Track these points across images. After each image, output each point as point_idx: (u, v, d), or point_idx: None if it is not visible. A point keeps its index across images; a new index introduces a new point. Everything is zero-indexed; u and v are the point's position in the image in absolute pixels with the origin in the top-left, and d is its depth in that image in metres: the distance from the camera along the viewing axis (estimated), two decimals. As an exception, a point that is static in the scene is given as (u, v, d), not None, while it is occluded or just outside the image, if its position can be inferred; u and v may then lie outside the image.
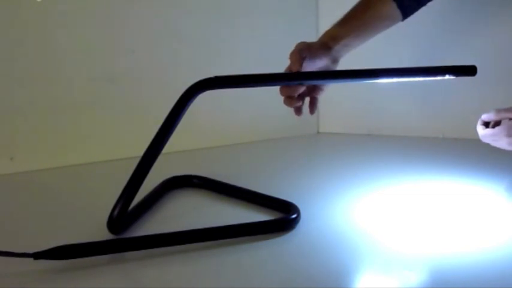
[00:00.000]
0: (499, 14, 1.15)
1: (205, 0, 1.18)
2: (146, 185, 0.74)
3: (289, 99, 0.79)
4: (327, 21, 1.32)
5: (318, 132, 1.37)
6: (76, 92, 1.07)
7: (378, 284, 0.56)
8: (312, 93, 0.84)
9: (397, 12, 0.86)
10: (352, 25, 0.84)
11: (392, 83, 0.84)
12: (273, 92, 1.21)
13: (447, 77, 0.80)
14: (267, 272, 0.59)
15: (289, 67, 0.79)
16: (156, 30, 1.13)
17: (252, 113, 1.26)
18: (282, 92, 0.79)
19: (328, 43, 0.82)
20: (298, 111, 0.82)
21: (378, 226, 0.71)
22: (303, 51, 0.78)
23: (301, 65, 0.76)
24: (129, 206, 0.69)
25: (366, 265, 0.61)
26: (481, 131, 0.83)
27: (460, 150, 1.15)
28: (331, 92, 1.31)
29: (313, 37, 1.31)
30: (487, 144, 0.84)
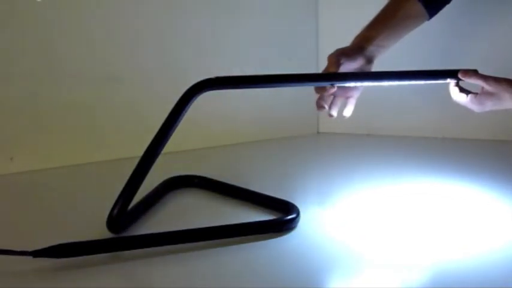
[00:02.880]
0: (500, 16, 1.15)
1: (206, 0, 1.18)
2: (146, 185, 0.74)
3: (320, 99, 0.82)
4: (327, 21, 1.33)
5: (318, 132, 1.37)
6: (76, 92, 1.06)
7: (377, 284, 0.56)
8: (348, 93, 0.86)
9: (424, 11, 0.89)
10: (382, 26, 0.87)
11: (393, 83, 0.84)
12: (273, 92, 1.22)
13: (448, 80, 0.81)
14: (266, 272, 0.59)
15: (327, 69, 0.81)
16: (156, 30, 1.13)
17: (252, 113, 1.26)
18: (316, 91, 0.82)
19: (361, 45, 0.85)
20: (321, 107, 0.83)
21: (378, 226, 0.71)
22: (340, 56, 0.81)
23: (338, 67, 0.79)
24: (128, 205, 0.69)
25: (366, 265, 0.61)
26: (464, 97, 0.78)
27: (460, 151, 1.15)
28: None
29: (313, 37, 1.32)
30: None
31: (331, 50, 1.29)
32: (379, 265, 0.60)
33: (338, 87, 0.80)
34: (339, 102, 0.85)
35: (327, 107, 0.83)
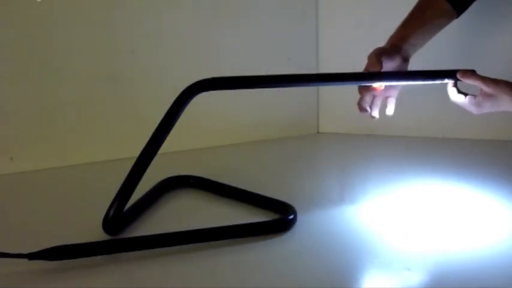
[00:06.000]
0: (499, 16, 1.15)
1: (205, 0, 1.18)
2: (143, 186, 0.74)
3: (362, 101, 0.84)
4: (327, 21, 1.32)
5: (318, 132, 1.36)
6: (76, 92, 1.07)
7: (375, 284, 0.56)
8: (387, 92, 0.86)
9: (452, 10, 0.90)
10: (414, 25, 0.88)
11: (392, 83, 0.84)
12: (273, 92, 1.21)
13: (446, 81, 0.81)
14: (263, 272, 0.59)
15: (367, 68, 0.81)
16: (156, 30, 1.13)
17: (252, 113, 1.26)
18: (359, 92, 0.84)
19: (397, 44, 0.86)
20: (364, 109, 0.85)
21: (376, 227, 0.71)
22: (381, 55, 0.81)
23: (380, 66, 0.80)
24: (124, 206, 0.69)
25: (363, 266, 0.61)
26: (462, 98, 0.80)
27: (460, 151, 1.14)
28: (331, 92, 1.31)
29: (313, 37, 1.32)
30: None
31: (331, 50, 1.30)
32: (379, 265, 0.60)
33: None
34: (379, 102, 0.86)
35: (369, 109, 0.84)
